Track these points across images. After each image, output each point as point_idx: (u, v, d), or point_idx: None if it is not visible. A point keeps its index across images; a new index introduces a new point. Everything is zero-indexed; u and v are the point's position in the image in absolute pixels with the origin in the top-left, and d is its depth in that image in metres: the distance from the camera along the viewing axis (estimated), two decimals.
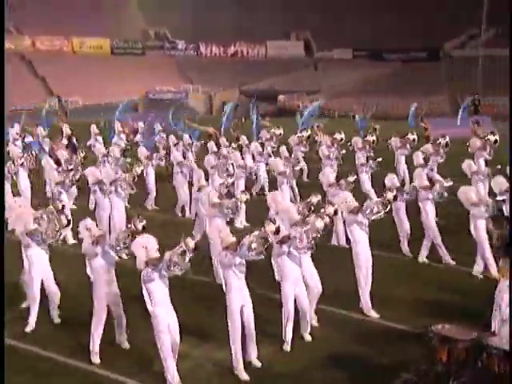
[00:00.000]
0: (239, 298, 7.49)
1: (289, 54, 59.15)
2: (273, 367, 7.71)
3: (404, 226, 11.95)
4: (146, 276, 7.11)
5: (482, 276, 10.63)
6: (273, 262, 8.29)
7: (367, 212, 9.26)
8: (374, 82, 53.07)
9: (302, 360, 7.87)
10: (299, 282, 8.22)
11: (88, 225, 8.07)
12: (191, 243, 7.03)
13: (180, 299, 9.27)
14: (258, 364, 7.65)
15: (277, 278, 8.29)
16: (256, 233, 7.53)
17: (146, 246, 7.18)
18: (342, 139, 18.31)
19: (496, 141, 16.78)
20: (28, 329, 8.85)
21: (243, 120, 42.33)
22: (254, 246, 7.31)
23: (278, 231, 7.78)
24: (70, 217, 9.35)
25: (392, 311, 9.31)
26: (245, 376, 7.42)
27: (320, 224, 8.25)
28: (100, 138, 21.31)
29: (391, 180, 11.28)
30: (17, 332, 8.71)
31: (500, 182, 11.27)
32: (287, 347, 8.20)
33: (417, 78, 50.40)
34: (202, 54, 59.66)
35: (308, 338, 8.48)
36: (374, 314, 9.22)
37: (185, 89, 52.67)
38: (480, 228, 10.37)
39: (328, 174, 12.44)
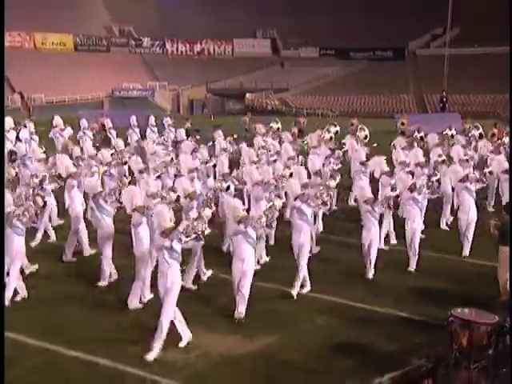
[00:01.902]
0: (162, 284, 7.38)
1: (256, 52, 59.07)
2: (277, 356, 7.48)
3: None
4: (135, 220, 8.47)
5: None
6: (229, 239, 9.07)
7: (307, 198, 9.33)
8: (341, 81, 53.50)
9: (307, 348, 7.66)
10: (248, 263, 8.29)
11: None
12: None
13: (185, 291, 9.19)
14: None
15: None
16: (192, 219, 7.64)
17: (133, 196, 8.50)
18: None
19: (481, 135, 16.86)
20: None
21: (212, 118, 42.08)
22: (189, 230, 7.39)
23: (213, 217, 8.08)
24: (45, 199, 9.35)
25: (390, 298, 9.22)
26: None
27: (278, 203, 8.76)
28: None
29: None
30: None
31: (402, 179, 10.97)
32: (239, 315, 8.34)
33: (383, 77, 50.96)
34: (168, 51, 59.00)
35: (240, 316, 8.37)
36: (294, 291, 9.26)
37: (151, 86, 51.98)
38: (367, 222, 10.02)
39: (265, 171, 11.86)
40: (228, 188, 10.37)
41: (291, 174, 11.13)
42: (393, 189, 10.49)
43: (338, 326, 8.36)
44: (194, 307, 8.74)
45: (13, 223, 8.80)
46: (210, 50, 59.60)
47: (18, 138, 19.18)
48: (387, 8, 56.53)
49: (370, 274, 10.04)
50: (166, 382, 6.85)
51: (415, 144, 16.29)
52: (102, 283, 9.56)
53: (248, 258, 8.27)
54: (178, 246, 7.32)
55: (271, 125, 19.73)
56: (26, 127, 19.98)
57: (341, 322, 8.45)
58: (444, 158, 13.73)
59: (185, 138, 18.35)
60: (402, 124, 23.95)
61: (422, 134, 17.55)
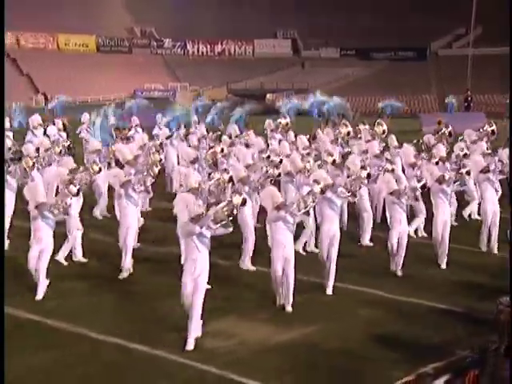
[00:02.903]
0: (195, 269, 7.25)
1: (276, 53, 59.11)
2: (318, 344, 7.39)
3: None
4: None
5: None
6: (267, 227, 8.76)
7: (338, 189, 9.16)
8: (362, 81, 53.23)
9: (348, 338, 7.56)
10: (289, 249, 8.25)
11: None
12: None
13: (221, 280, 9.14)
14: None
15: (269, 243, 8.62)
16: (222, 205, 7.44)
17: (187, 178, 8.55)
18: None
19: (493, 131, 16.68)
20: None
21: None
22: (218, 216, 7.18)
23: (244, 203, 7.81)
24: (78, 186, 9.34)
25: (431, 292, 9.09)
26: None
27: (317, 189, 8.55)
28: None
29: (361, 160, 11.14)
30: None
31: (430, 170, 10.58)
32: (289, 308, 8.28)
33: (405, 77, 50.62)
34: (189, 52, 59.29)
35: (289, 308, 8.33)
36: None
37: (173, 87, 52.27)
38: (396, 213, 9.75)
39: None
40: (279, 175, 10.35)
41: (334, 161, 11.24)
42: (419, 180, 10.24)
43: (378, 317, 8.25)
44: (229, 297, 8.74)
45: (128, 193, 9.43)
46: (230, 51, 59.80)
47: (45, 135, 19.38)
48: (409, 8, 56.22)
49: (399, 270, 9.84)
50: (206, 368, 6.79)
51: (444, 141, 16.09)
52: (123, 275, 9.58)
53: (289, 244, 8.23)
54: (207, 233, 7.24)
55: (279, 120, 19.75)
56: (54, 124, 20.19)
57: (380, 314, 8.34)
58: (466, 151, 13.54)
59: (205, 133, 18.58)
60: (439, 123, 23.76)
61: (450, 129, 17.34)
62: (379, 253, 10.49)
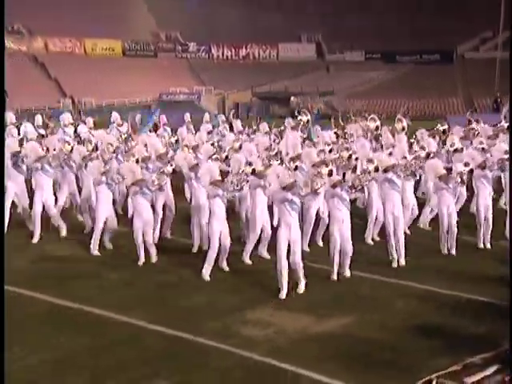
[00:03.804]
0: (287, 233, 8.11)
1: (301, 57, 59.11)
2: (358, 335, 7.29)
3: None
4: (211, 193, 9.03)
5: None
6: (324, 203, 9.40)
7: (398, 170, 9.71)
8: (387, 84, 52.96)
9: (389, 329, 7.45)
10: (346, 224, 8.78)
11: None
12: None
13: (259, 270, 9.30)
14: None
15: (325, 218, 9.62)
16: (313, 175, 8.47)
17: (211, 171, 9.17)
18: None
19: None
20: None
21: (258, 120, 42.15)
22: (307, 185, 8.28)
23: (331, 173, 8.62)
24: (173, 166, 10.27)
25: (469, 284, 8.95)
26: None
27: (372, 167, 9.06)
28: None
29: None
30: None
31: (473, 156, 10.80)
32: (347, 273, 9.03)
33: (430, 80, 50.28)
34: (214, 56, 59.60)
35: (348, 273, 9.00)
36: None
37: (197, 90, 52.56)
38: (443, 200, 10.07)
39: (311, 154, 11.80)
40: (296, 168, 10.55)
41: (350, 156, 11.43)
42: (466, 164, 10.36)
43: (416, 308, 8.14)
44: (267, 286, 8.69)
45: (198, 176, 9.97)
46: (255, 55, 59.98)
47: (75, 133, 19.61)
48: (434, 11, 55.87)
49: (453, 250, 10.11)
50: (248, 355, 6.76)
51: (437, 137, 16.04)
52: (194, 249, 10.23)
53: (346, 220, 8.73)
54: (296, 199, 8.18)
55: (300, 118, 19.77)
56: (85, 123, 20.39)
57: (418, 305, 8.24)
58: (456, 146, 13.35)
59: (241, 129, 18.74)
60: (477, 121, 23.69)
61: (445, 126, 17.21)
62: (413, 245, 10.39)
